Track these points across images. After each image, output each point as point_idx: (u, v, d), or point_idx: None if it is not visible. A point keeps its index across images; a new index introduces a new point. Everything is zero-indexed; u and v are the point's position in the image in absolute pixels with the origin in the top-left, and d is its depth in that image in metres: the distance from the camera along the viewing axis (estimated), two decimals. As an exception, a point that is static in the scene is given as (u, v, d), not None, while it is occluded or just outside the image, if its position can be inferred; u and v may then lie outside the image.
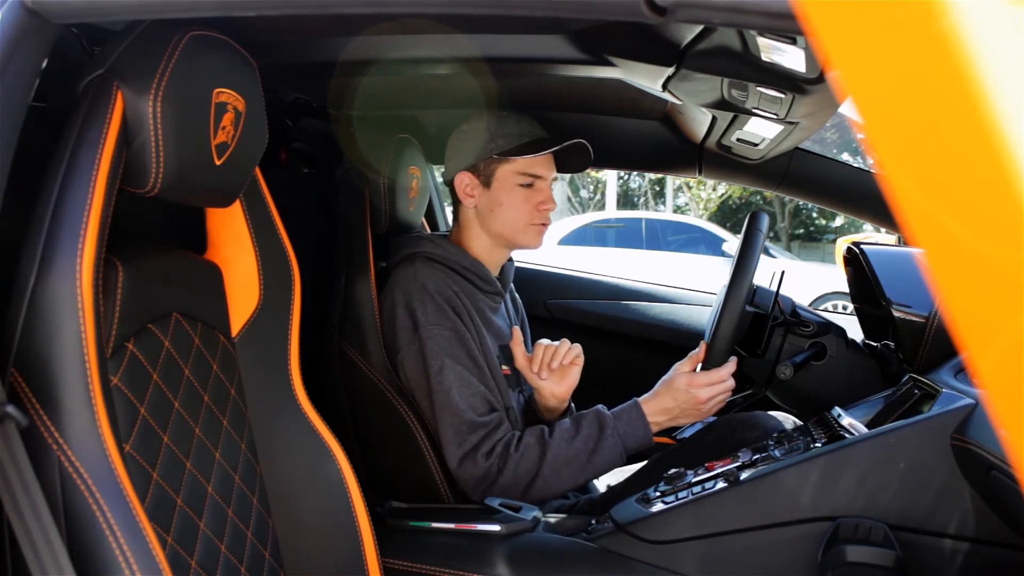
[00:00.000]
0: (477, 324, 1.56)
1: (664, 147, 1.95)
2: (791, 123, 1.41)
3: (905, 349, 1.51)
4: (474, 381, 1.49)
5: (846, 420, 1.34)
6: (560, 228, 9.78)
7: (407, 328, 1.52)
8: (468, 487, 1.48)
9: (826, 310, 5.03)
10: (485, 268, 1.64)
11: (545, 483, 1.46)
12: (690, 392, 1.51)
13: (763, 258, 1.69)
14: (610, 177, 15.74)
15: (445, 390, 1.48)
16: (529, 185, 1.61)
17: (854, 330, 1.81)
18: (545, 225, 1.64)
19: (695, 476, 1.33)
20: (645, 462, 1.67)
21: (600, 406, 1.56)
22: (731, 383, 1.52)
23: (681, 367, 1.56)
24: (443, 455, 1.52)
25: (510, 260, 1.76)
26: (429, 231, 1.75)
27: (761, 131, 1.55)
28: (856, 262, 1.66)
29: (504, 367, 1.63)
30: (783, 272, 1.76)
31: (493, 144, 1.59)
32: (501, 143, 1.59)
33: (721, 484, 1.25)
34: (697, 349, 1.57)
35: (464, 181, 1.62)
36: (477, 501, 1.47)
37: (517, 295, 1.88)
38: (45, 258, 0.83)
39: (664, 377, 1.57)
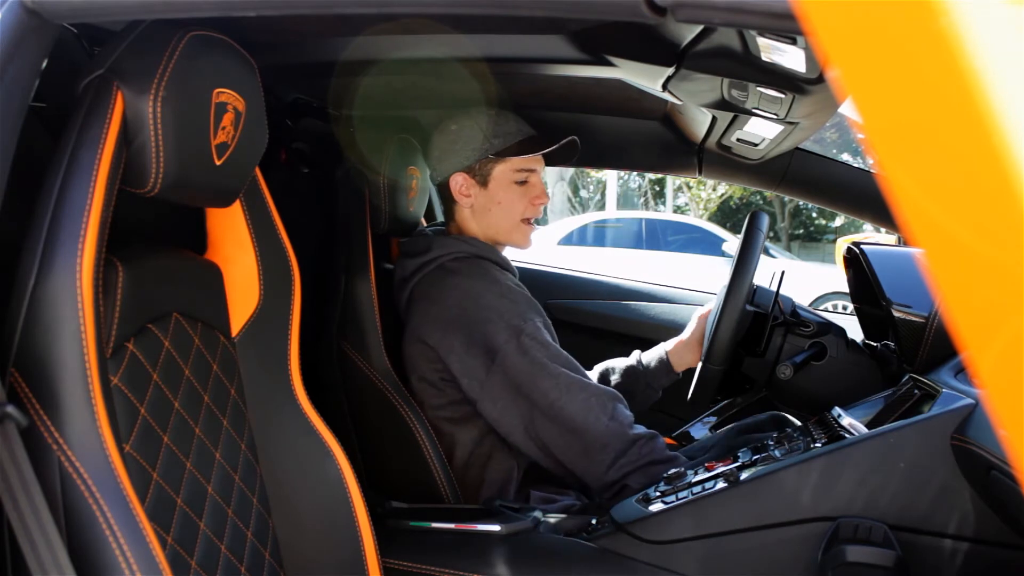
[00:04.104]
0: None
1: (664, 147, 1.95)
2: (791, 123, 1.41)
3: (905, 349, 1.51)
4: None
5: (846, 420, 1.34)
6: (560, 228, 9.78)
7: (484, 352, 1.51)
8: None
9: (826, 310, 5.02)
10: (500, 253, 1.67)
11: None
12: None
13: (763, 258, 1.69)
14: (610, 177, 15.73)
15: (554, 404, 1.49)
16: (524, 182, 1.63)
17: (854, 330, 1.80)
18: (534, 224, 1.67)
19: (695, 476, 1.33)
20: None
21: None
22: None
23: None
24: (443, 455, 1.51)
25: None
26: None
27: (761, 131, 1.55)
28: (856, 262, 1.66)
29: None
30: (783, 272, 1.76)
31: (488, 144, 1.60)
32: (497, 143, 1.60)
33: (721, 484, 1.25)
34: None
35: (459, 182, 1.63)
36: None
37: None
38: (45, 258, 0.83)
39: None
